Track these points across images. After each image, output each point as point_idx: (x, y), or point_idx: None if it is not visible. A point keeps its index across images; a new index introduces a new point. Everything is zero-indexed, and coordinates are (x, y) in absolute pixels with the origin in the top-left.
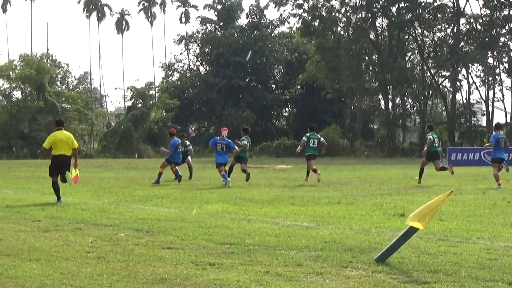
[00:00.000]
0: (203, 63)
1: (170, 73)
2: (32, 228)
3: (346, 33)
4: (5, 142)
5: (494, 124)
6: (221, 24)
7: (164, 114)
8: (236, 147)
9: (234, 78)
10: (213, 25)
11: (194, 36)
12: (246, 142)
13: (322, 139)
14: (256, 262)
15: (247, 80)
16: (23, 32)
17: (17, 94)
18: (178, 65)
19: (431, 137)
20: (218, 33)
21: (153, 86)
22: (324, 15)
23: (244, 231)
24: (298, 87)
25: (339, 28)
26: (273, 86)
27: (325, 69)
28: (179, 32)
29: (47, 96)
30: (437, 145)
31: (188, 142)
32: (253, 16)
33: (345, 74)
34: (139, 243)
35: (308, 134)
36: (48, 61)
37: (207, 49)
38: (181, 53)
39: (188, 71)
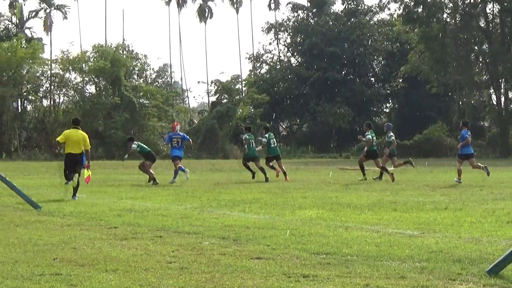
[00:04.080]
0: (295, 54)
1: (258, 65)
2: (108, 236)
3: (453, 20)
4: None
5: (461, 122)
6: (314, 11)
7: (252, 110)
8: (191, 140)
9: (329, 71)
10: (305, 12)
11: (284, 24)
12: (247, 137)
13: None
14: (354, 274)
15: (343, 72)
16: (96, 21)
17: (91, 89)
18: (267, 56)
19: (370, 137)
20: (311, 20)
21: (240, 79)
22: (428, 0)
23: (341, 239)
24: (400, 80)
25: (445, 15)
26: (372, 79)
27: (430, 60)
28: (268, 19)
29: (123, 90)
30: (375, 143)
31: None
32: (349, 2)
33: (452, 66)
34: (225, 253)
35: (267, 135)
36: (124, 52)
37: (298, 39)
38: (270, 43)
39: (278, 63)
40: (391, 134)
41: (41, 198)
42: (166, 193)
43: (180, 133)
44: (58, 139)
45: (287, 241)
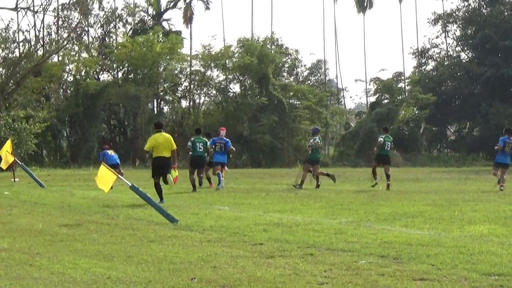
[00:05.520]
0: (465, 48)
1: (423, 61)
2: (252, 253)
3: None
4: None
5: (504, 129)
6: (487, 0)
7: (416, 112)
8: (234, 149)
9: (503, 67)
10: (477, 1)
11: (454, 15)
12: (318, 141)
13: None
14: None
15: None
16: (242, 12)
17: (235, 88)
18: (434, 51)
19: (382, 139)
20: (484, 11)
21: (403, 77)
22: None
23: None
24: None
25: None
26: None
27: None
28: (435, 10)
29: (271, 90)
30: (389, 148)
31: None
32: None
33: None
34: (384, 273)
35: (316, 138)
36: (273, 47)
37: (469, 31)
38: (437, 37)
39: (445, 59)
40: (314, 138)
41: (178, 210)
42: (318, 206)
43: (225, 138)
44: (145, 148)
45: (454, 260)
